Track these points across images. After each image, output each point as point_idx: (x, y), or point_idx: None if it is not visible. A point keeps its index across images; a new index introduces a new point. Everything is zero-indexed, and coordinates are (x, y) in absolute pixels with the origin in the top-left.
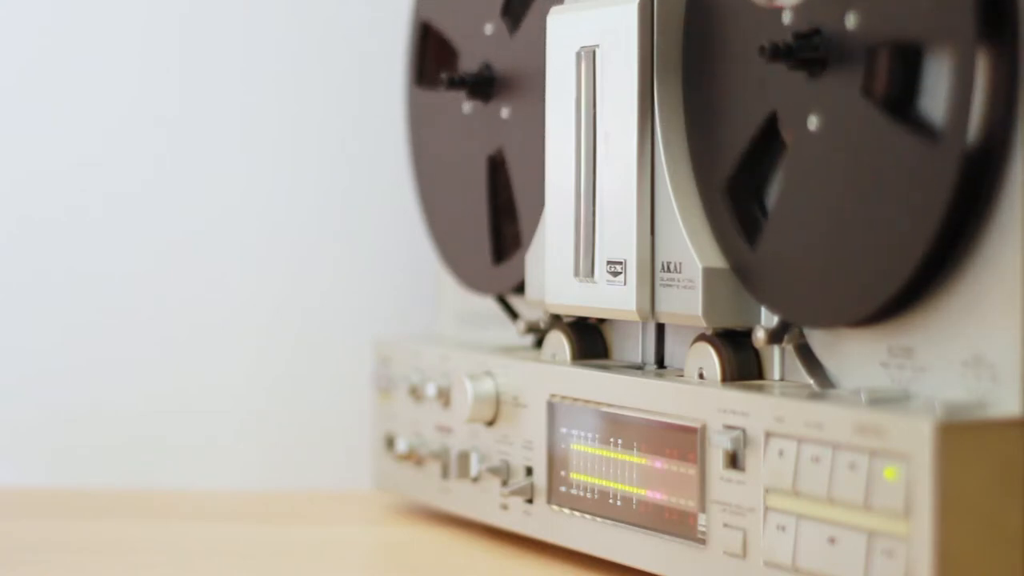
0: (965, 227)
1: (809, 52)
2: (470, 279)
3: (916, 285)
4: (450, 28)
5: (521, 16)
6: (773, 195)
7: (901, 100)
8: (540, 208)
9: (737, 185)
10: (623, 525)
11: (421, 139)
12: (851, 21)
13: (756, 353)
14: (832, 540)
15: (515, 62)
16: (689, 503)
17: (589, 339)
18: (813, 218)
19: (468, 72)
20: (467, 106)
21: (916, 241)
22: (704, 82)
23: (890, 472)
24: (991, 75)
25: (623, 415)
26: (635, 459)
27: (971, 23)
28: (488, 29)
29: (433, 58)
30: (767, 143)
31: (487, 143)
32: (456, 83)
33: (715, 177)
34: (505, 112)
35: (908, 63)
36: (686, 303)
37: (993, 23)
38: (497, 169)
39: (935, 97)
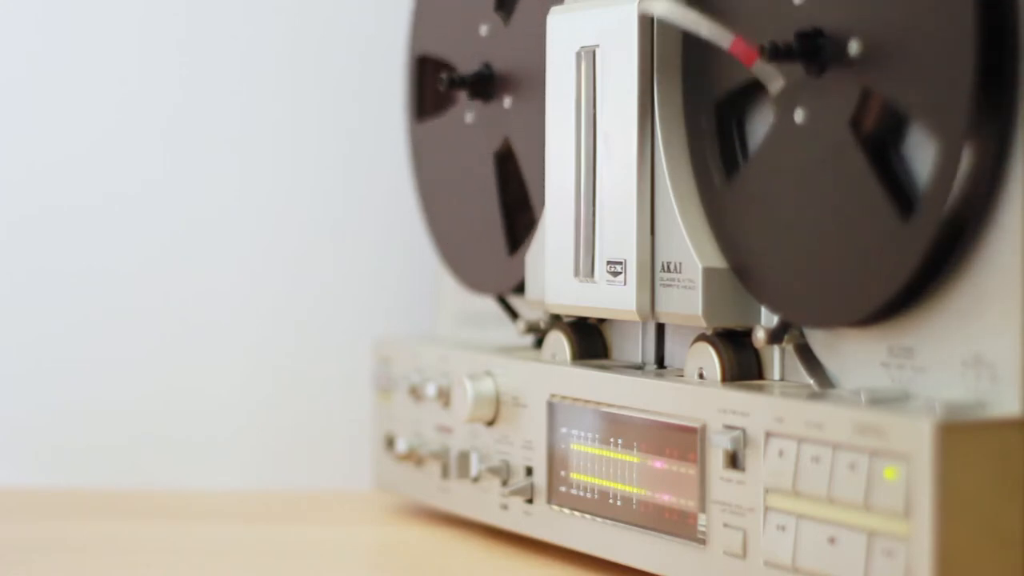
0: (965, 227)
1: (809, 54)
2: (471, 279)
3: (916, 285)
4: (446, 48)
5: (515, 6)
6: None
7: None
8: None
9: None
10: (623, 525)
11: (423, 160)
12: (853, 48)
13: (756, 353)
14: (832, 540)
15: (514, 53)
16: (689, 503)
17: (589, 339)
18: (812, 216)
19: (468, 72)
20: (469, 115)
21: (916, 241)
22: (704, 82)
23: (890, 472)
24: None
25: (623, 415)
26: (635, 459)
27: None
28: (484, 30)
29: (432, 91)
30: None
31: (492, 141)
32: (456, 83)
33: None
34: (508, 103)
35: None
36: (686, 303)
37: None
38: (504, 164)
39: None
